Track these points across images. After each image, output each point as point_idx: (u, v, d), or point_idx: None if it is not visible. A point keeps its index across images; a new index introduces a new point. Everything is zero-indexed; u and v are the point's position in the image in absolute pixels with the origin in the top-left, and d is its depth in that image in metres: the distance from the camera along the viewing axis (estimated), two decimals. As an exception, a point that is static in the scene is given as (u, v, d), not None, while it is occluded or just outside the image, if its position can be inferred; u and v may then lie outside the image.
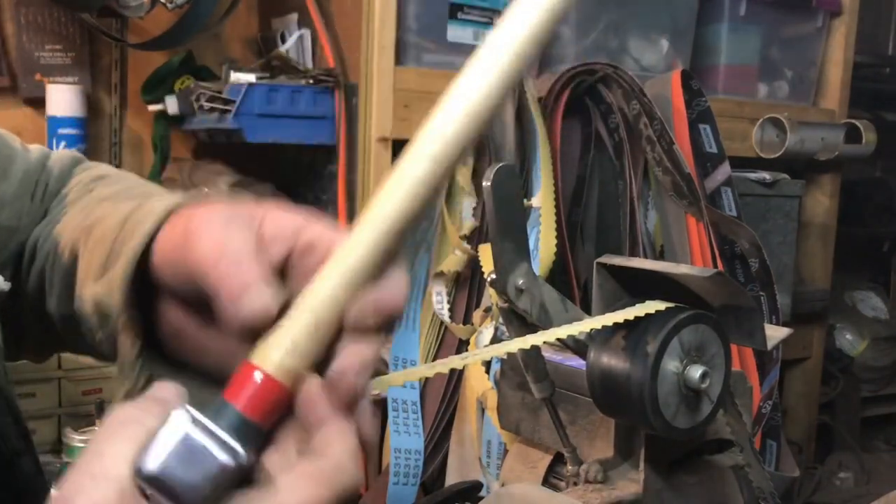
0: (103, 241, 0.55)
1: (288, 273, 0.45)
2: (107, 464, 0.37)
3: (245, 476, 0.40)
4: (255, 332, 0.42)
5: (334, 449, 0.40)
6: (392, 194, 0.44)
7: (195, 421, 0.39)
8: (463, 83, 0.44)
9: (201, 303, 0.46)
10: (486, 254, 1.46)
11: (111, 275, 0.51)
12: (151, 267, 0.50)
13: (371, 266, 0.42)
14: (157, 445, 0.38)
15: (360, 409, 0.42)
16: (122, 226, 0.54)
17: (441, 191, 0.45)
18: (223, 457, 0.39)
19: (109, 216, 0.57)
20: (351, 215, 1.65)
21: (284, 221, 0.46)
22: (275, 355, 0.41)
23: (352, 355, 0.42)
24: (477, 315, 1.51)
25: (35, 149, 0.69)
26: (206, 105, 1.72)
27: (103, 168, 0.70)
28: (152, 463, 0.38)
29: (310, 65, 1.83)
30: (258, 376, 0.41)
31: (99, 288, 0.52)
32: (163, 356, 0.52)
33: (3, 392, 0.54)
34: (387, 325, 0.43)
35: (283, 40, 1.89)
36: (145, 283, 0.50)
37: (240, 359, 0.42)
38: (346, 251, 0.43)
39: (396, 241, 0.43)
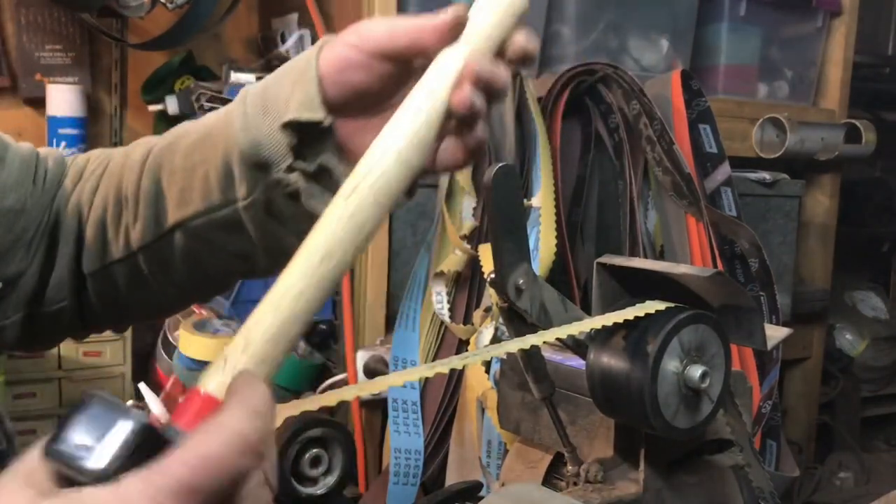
0: (207, 138, 0.63)
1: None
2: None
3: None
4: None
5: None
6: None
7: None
8: None
9: (371, 93, 0.58)
10: (486, 254, 1.46)
11: (296, 97, 0.59)
12: (322, 90, 0.59)
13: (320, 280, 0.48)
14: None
15: None
16: (235, 106, 0.63)
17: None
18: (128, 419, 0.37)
19: (188, 132, 0.65)
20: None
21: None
22: (209, 375, 0.45)
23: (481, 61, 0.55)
24: (477, 315, 1.51)
25: (23, 143, 0.72)
26: (207, 105, 1.72)
27: (102, 150, 0.75)
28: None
29: (310, 65, 1.82)
30: (198, 396, 0.44)
31: (250, 136, 0.60)
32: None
33: None
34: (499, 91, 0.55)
35: (284, 40, 1.89)
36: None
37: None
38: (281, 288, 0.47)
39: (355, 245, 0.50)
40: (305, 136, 0.59)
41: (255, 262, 0.66)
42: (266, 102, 0.60)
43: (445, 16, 0.54)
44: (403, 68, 0.58)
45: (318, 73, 0.58)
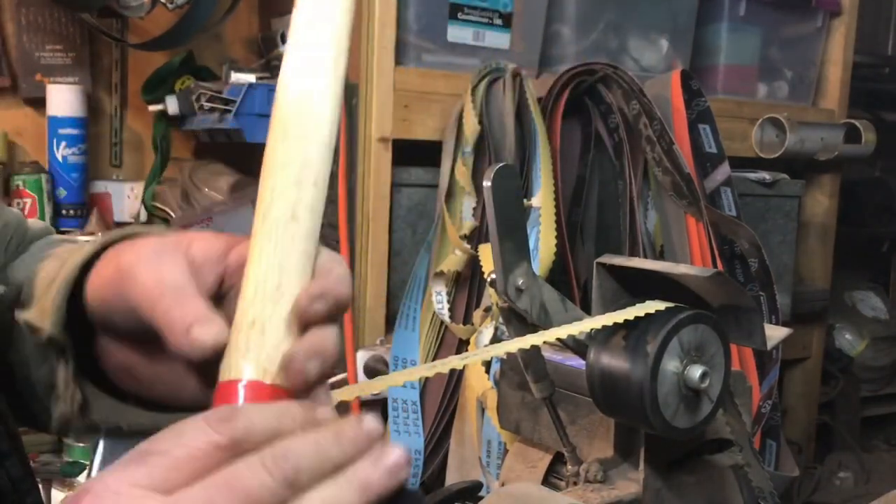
0: (43, 286, 0.54)
1: (224, 294, 0.46)
2: None
3: None
4: (209, 361, 0.42)
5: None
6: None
7: None
8: None
9: (145, 335, 0.46)
10: (486, 254, 1.46)
11: (43, 303, 0.51)
12: (87, 307, 0.50)
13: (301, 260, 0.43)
14: None
15: (316, 395, 0.43)
16: (59, 267, 0.53)
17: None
18: None
19: (49, 266, 0.56)
20: (351, 215, 1.65)
21: (211, 245, 0.47)
22: (250, 366, 0.41)
23: (303, 341, 0.42)
24: (477, 315, 1.52)
25: (14, 210, 0.69)
26: (207, 105, 1.72)
27: (66, 240, 0.68)
28: None
29: (310, 65, 1.82)
30: (224, 386, 0.41)
31: (32, 315, 0.52)
32: (108, 391, 0.53)
33: (2, 414, 0.54)
34: (335, 312, 0.43)
35: (284, 40, 1.88)
36: (84, 324, 0.51)
37: (206, 385, 0.43)
38: (261, 254, 0.43)
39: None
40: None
41: None
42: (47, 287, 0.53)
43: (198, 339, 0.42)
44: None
45: (87, 281, 0.50)
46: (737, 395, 1.04)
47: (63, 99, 1.88)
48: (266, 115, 1.64)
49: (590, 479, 0.96)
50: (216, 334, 0.42)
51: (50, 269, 0.54)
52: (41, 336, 0.50)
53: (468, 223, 1.56)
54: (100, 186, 2.03)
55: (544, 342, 0.72)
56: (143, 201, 2.00)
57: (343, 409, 1.67)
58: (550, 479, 1.08)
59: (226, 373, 0.42)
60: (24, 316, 0.52)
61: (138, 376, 0.52)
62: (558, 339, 0.79)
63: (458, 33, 1.72)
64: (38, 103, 1.93)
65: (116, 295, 0.47)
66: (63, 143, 1.88)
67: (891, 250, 3.05)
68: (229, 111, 1.66)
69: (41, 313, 0.51)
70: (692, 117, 1.80)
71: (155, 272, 0.45)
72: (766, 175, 2.04)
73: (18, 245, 0.66)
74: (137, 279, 0.45)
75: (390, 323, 1.64)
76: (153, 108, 1.96)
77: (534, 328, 0.88)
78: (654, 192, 1.75)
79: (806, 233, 2.29)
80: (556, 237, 1.50)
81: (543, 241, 1.48)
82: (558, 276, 1.57)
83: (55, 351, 0.51)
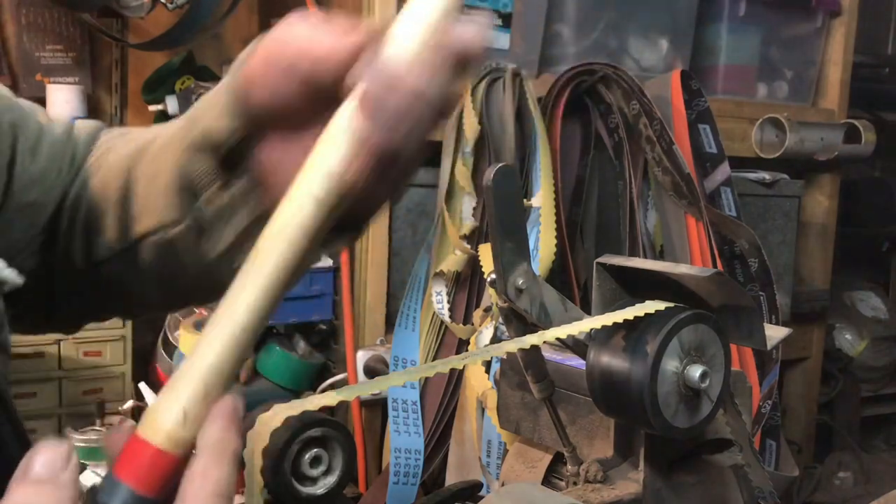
0: (168, 145, 0.59)
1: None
2: None
3: None
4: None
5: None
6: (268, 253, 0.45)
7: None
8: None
9: (289, 115, 0.51)
10: (486, 254, 1.46)
11: (205, 118, 0.55)
12: (248, 102, 0.53)
13: (252, 328, 0.44)
14: None
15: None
16: (187, 119, 0.59)
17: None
18: None
19: (161, 135, 0.62)
20: (351, 215, 1.65)
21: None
22: (165, 426, 0.41)
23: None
24: (477, 315, 1.52)
25: (59, 122, 0.70)
26: (207, 105, 1.72)
27: (127, 129, 0.71)
28: None
29: (310, 65, 1.83)
30: (149, 450, 0.41)
31: (184, 156, 0.56)
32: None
33: (2, 396, 0.54)
34: (467, 63, 0.46)
35: (283, 40, 1.89)
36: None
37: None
38: (225, 313, 0.44)
39: (274, 302, 0.45)
40: (223, 157, 0.55)
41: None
42: (195, 112, 0.58)
43: (357, 35, 0.48)
44: (322, 91, 0.50)
45: (237, 82, 0.54)
46: (737, 394, 1.04)
47: (63, 99, 1.88)
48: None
49: (590, 479, 0.96)
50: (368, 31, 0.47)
51: (167, 137, 0.60)
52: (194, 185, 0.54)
53: (468, 223, 1.56)
54: (100, 186, 2.03)
55: (544, 342, 0.72)
56: (143, 201, 2.01)
57: (343, 409, 1.67)
58: (550, 479, 1.08)
59: (147, 424, 0.42)
60: (174, 164, 0.55)
61: (281, 174, 0.54)
62: (558, 339, 0.79)
63: (458, 33, 1.72)
64: (39, 103, 1.92)
65: (266, 69, 0.52)
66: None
67: (891, 250, 3.05)
68: (229, 111, 1.66)
69: (217, 118, 0.54)
70: (692, 117, 1.80)
71: (311, 29, 0.52)
72: (765, 175, 2.04)
73: (71, 161, 0.68)
74: (294, 34, 0.53)
75: (390, 323, 1.64)
76: (153, 108, 1.96)
77: (534, 328, 0.88)
78: (654, 192, 1.75)
79: (806, 233, 2.29)
80: (556, 237, 1.50)
81: (543, 241, 1.48)
82: (558, 276, 1.57)
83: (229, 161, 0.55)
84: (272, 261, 0.45)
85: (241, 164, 0.56)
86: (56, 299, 0.69)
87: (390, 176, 0.47)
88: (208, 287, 0.61)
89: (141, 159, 0.62)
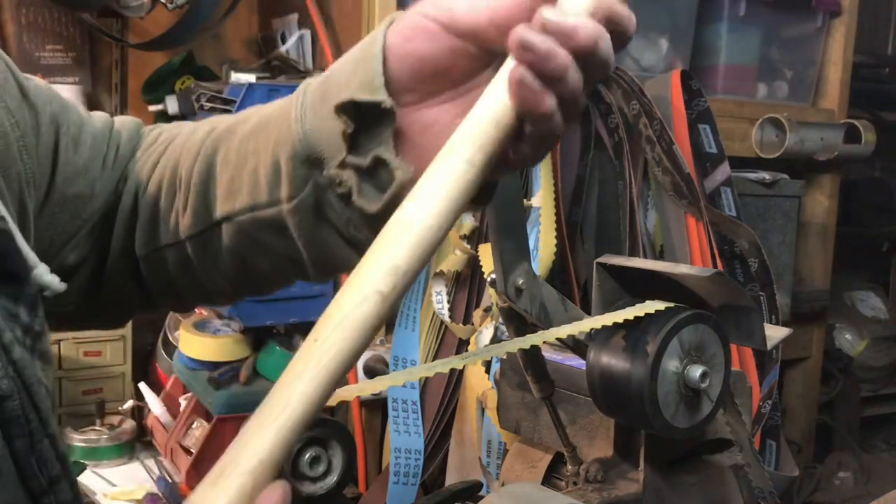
0: (260, 129, 0.58)
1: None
2: None
3: None
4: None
5: None
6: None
7: None
8: None
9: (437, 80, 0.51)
10: (486, 254, 1.46)
11: (359, 80, 0.53)
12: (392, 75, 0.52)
13: (307, 420, 0.42)
14: None
15: None
16: (296, 94, 0.57)
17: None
18: None
19: (254, 114, 0.61)
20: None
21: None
22: None
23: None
24: (477, 315, 1.52)
25: (98, 115, 0.70)
26: (207, 105, 1.72)
27: (177, 123, 0.72)
28: None
29: (310, 65, 1.83)
30: None
31: (302, 128, 0.54)
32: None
33: (39, 412, 0.53)
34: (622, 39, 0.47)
35: (284, 41, 1.89)
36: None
37: None
38: (280, 402, 0.42)
39: (333, 389, 0.43)
40: (363, 122, 0.53)
41: (304, 268, 0.62)
42: (326, 88, 0.55)
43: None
44: (483, 50, 0.50)
45: (385, 45, 0.52)
46: (737, 394, 1.04)
47: (63, 99, 1.88)
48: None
49: (590, 478, 0.96)
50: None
51: (262, 116, 0.59)
52: (383, 105, 0.52)
53: (468, 223, 1.56)
54: (100, 186, 2.03)
55: (544, 342, 0.72)
56: (143, 201, 2.01)
57: (343, 409, 1.67)
58: (550, 479, 1.08)
59: None
60: (352, 95, 0.52)
61: (419, 142, 0.53)
62: (558, 339, 0.79)
63: (458, 33, 1.72)
64: (39, 103, 1.93)
65: (428, 22, 0.50)
66: (63, 143, 1.88)
67: (891, 250, 3.05)
68: (229, 111, 1.66)
69: (369, 91, 0.52)
70: (692, 117, 1.80)
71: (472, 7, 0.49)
72: (765, 175, 2.04)
73: (116, 153, 0.68)
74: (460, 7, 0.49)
75: (390, 323, 1.64)
76: (153, 108, 1.96)
77: (534, 328, 0.88)
78: (654, 192, 1.75)
79: (806, 233, 2.29)
80: (556, 237, 1.50)
81: (543, 241, 1.48)
82: (558, 276, 1.57)
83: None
84: (337, 348, 0.43)
85: (377, 131, 0.54)
86: (104, 291, 0.68)
87: (546, 140, 0.48)
88: (297, 271, 0.62)
89: (225, 142, 0.61)
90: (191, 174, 0.62)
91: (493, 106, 0.46)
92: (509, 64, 0.46)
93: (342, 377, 0.43)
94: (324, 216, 0.56)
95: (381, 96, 0.51)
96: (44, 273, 0.53)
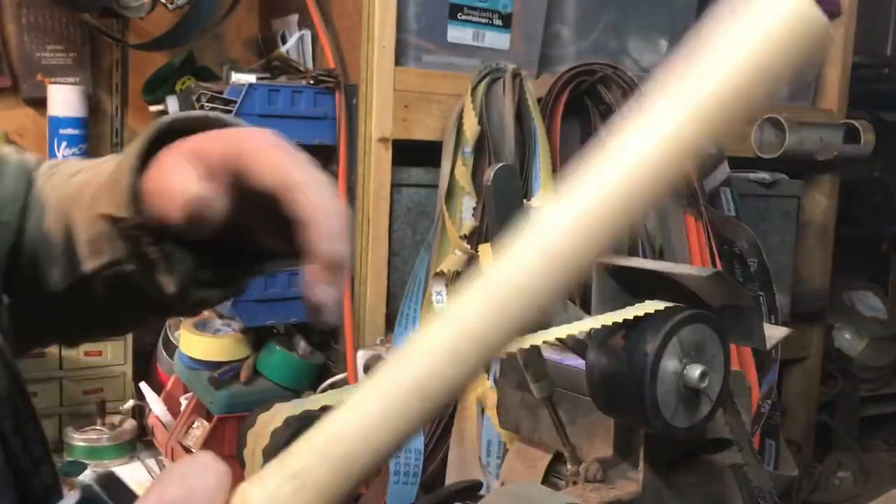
0: (98, 196, 0.59)
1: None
2: None
3: None
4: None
5: None
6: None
7: None
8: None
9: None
10: (486, 254, 1.46)
11: (110, 197, 0.55)
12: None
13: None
14: None
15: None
16: (116, 168, 0.58)
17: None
18: None
19: (90, 182, 0.61)
20: (351, 215, 1.65)
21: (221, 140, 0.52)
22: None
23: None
24: (477, 315, 1.51)
25: (8, 148, 0.70)
26: (207, 105, 1.72)
27: (57, 161, 0.72)
28: None
29: (310, 65, 1.83)
30: None
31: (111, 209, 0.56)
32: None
33: (24, 395, 0.53)
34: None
35: (284, 41, 1.89)
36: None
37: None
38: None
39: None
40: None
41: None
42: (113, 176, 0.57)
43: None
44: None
45: (135, 188, 0.54)
46: (736, 394, 1.04)
47: (64, 99, 1.88)
48: (266, 115, 1.64)
49: (589, 478, 0.96)
50: (191, 190, 0.49)
51: (101, 179, 0.59)
52: (127, 223, 0.55)
53: (468, 223, 1.56)
54: (100, 186, 2.03)
55: (544, 342, 0.73)
56: (144, 201, 2.01)
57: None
58: (550, 478, 1.08)
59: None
60: (103, 210, 0.55)
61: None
62: (558, 339, 0.79)
63: (458, 33, 1.72)
64: (39, 103, 1.93)
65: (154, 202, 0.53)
66: (64, 144, 1.88)
67: (890, 250, 3.05)
68: (230, 111, 1.66)
69: (117, 206, 0.55)
70: (692, 117, 1.80)
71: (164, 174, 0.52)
72: (765, 175, 2.05)
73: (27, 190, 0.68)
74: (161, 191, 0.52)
75: (390, 323, 1.64)
76: (154, 108, 1.96)
77: (534, 328, 0.88)
78: (653, 192, 1.75)
79: (805, 233, 2.29)
80: (556, 237, 1.50)
81: (543, 241, 1.48)
82: (558, 276, 1.57)
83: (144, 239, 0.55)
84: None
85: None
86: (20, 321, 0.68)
87: None
88: (160, 314, 0.63)
89: (77, 204, 0.62)
90: (58, 231, 0.63)
91: None
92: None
93: None
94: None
95: (126, 213, 0.54)
96: None
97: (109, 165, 0.60)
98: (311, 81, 1.70)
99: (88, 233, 0.61)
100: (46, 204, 0.66)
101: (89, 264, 0.61)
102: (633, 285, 0.92)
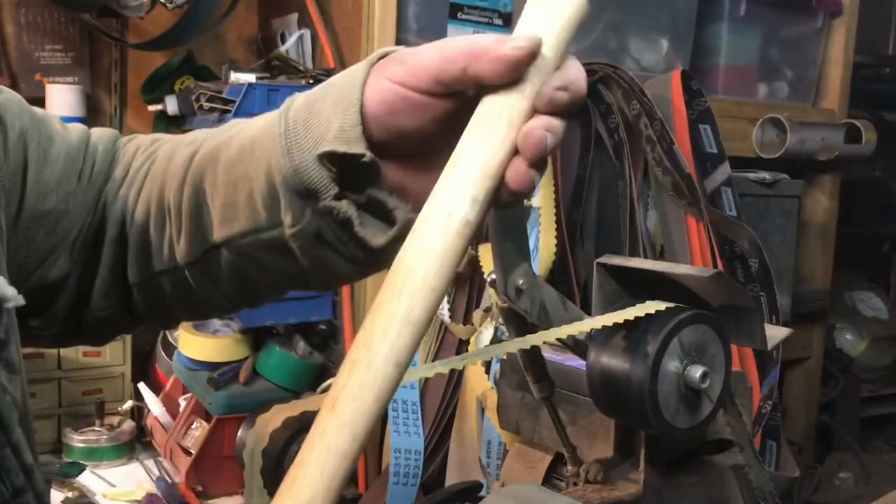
0: (247, 154, 0.58)
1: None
2: None
3: None
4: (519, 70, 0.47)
5: None
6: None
7: None
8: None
9: (423, 142, 0.52)
10: (486, 254, 1.46)
11: (323, 135, 0.54)
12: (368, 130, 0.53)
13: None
14: None
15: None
16: (278, 120, 0.57)
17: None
18: None
19: (235, 137, 0.61)
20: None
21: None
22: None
23: (538, 121, 0.46)
24: (477, 315, 1.51)
25: (75, 128, 0.68)
26: (206, 105, 1.72)
27: (158, 136, 0.71)
28: None
29: (310, 65, 1.83)
30: None
31: (291, 164, 0.55)
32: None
33: (2, 421, 0.51)
34: (573, 105, 0.47)
35: (283, 40, 1.89)
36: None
37: None
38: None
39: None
40: (349, 167, 0.54)
41: (306, 281, 0.62)
42: (309, 118, 0.55)
43: (515, 46, 0.46)
44: (458, 103, 0.51)
45: (363, 105, 0.52)
46: (737, 395, 1.04)
47: (63, 99, 1.88)
48: (266, 115, 1.64)
49: (590, 479, 0.96)
50: (530, 44, 0.46)
51: (245, 139, 0.59)
52: (363, 159, 0.52)
53: (468, 223, 1.55)
54: (99, 186, 2.03)
55: (544, 342, 0.72)
56: (143, 201, 2.01)
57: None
58: (550, 479, 1.07)
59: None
60: (333, 146, 0.53)
61: (410, 194, 0.54)
62: (558, 340, 0.79)
63: (458, 33, 1.72)
64: (38, 103, 1.90)
65: (404, 93, 0.51)
66: (63, 143, 1.88)
67: (891, 250, 3.05)
68: (229, 111, 1.66)
69: (347, 143, 0.53)
70: (692, 117, 1.80)
71: (441, 46, 0.50)
72: (766, 175, 2.04)
73: (92, 168, 0.67)
74: (425, 53, 0.50)
75: (390, 323, 1.64)
76: (153, 108, 1.96)
77: (534, 328, 0.88)
78: (654, 192, 1.75)
79: (806, 233, 2.28)
80: (556, 237, 1.49)
81: (543, 241, 1.48)
82: (558, 276, 1.57)
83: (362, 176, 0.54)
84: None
85: (366, 175, 0.54)
86: (90, 312, 0.68)
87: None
88: (298, 284, 0.63)
89: (211, 168, 0.61)
90: (179, 202, 0.62)
91: (485, 155, 0.46)
92: (489, 106, 0.47)
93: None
94: (324, 240, 0.57)
95: (360, 149, 0.52)
96: (2, 285, 0.51)
97: (271, 119, 0.59)
98: (311, 81, 1.69)
99: (229, 196, 0.59)
100: (145, 181, 0.65)
101: (220, 234, 0.60)
102: (634, 286, 0.92)
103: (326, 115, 0.54)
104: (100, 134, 0.70)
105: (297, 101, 0.58)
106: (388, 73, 0.52)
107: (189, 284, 0.65)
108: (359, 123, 0.52)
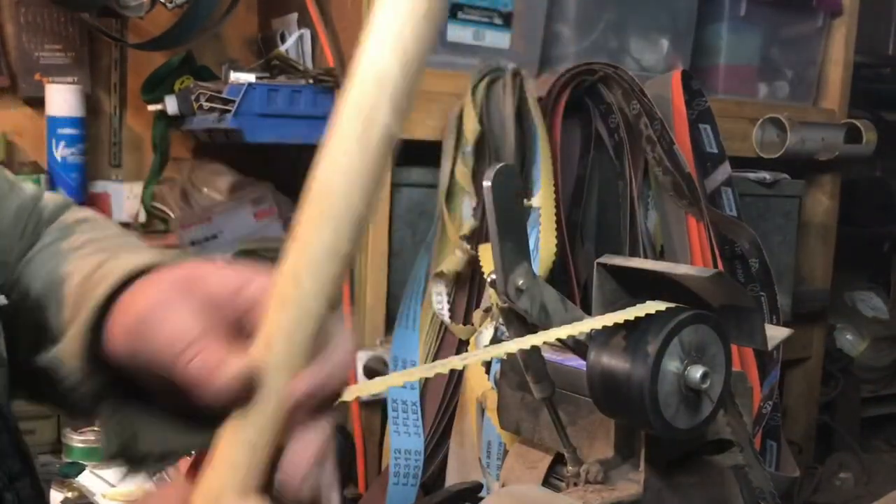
0: (71, 299, 0.54)
1: (244, 328, 0.45)
2: None
3: None
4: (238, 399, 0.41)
5: None
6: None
7: None
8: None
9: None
10: (486, 254, 1.46)
11: (68, 343, 0.50)
12: (109, 351, 0.48)
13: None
14: None
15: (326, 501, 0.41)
16: (84, 283, 0.53)
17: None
18: None
19: (76, 272, 0.56)
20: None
21: (228, 279, 0.46)
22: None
23: (300, 452, 0.40)
24: (477, 315, 1.51)
25: (29, 186, 0.67)
26: (206, 105, 1.72)
27: (87, 213, 0.68)
28: None
29: (310, 65, 1.82)
30: None
31: (62, 352, 0.51)
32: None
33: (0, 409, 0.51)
34: (333, 400, 0.41)
35: (283, 40, 1.89)
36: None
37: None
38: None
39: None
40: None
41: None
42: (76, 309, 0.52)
43: (228, 375, 0.41)
44: None
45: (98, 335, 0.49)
46: (737, 395, 1.04)
47: (62, 99, 1.88)
48: (265, 115, 1.64)
49: (590, 479, 0.96)
50: (237, 373, 0.40)
51: (74, 284, 0.53)
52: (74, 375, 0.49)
53: (468, 223, 1.55)
54: (99, 186, 2.03)
55: (544, 342, 0.72)
56: (143, 201, 2.00)
57: (343, 409, 1.67)
58: (551, 479, 1.07)
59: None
60: (54, 354, 0.50)
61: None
62: (558, 340, 0.79)
63: (458, 33, 1.72)
64: (37, 103, 1.92)
65: (135, 349, 0.46)
66: (62, 143, 1.87)
67: (891, 250, 3.05)
68: (229, 111, 1.66)
69: (71, 356, 0.49)
70: (693, 117, 1.80)
71: (170, 324, 0.44)
72: (766, 175, 2.04)
73: (35, 228, 0.64)
74: (156, 335, 0.44)
75: (390, 323, 1.64)
76: (152, 107, 1.95)
77: (534, 328, 0.88)
78: (654, 192, 1.75)
79: (806, 233, 2.28)
80: (556, 237, 1.49)
81: (543, 241, 1.48)
82: (558, 276, 1.57)
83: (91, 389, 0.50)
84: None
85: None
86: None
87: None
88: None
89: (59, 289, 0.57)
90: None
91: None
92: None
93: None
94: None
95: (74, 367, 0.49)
96: None
97: (94, 261, 0.55)
98: (311, 81, 1.69)
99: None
100: (73, 273, 0.59)
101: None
102: (634, 286, 0.92)
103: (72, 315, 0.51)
104: (53, 197, 0.68)
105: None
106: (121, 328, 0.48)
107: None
108: (82, 349, 0.49)
